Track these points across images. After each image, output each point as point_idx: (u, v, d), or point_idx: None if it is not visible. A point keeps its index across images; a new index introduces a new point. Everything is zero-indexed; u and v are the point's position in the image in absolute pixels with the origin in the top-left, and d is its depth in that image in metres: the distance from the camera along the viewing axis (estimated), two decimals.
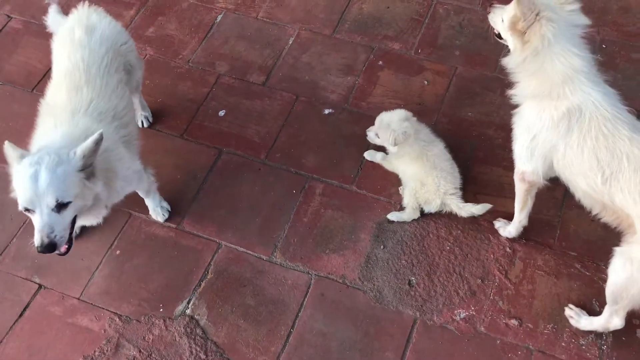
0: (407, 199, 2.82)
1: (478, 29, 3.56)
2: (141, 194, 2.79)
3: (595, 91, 2.18)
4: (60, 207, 2.15)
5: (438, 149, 2.87)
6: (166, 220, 2.87)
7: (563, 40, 2.18)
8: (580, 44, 2.23)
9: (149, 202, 2.85)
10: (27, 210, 2.16)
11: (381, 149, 3.01)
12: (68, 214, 2.20)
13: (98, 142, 2.16)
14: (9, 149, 2.20)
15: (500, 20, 2.38)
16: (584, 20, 2.24)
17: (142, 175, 2.63)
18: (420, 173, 2.80)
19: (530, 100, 2.29)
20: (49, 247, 2.16)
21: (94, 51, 2.57)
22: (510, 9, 2.25)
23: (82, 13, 2.72)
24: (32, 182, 2.10)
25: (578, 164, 2.21)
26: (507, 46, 2.38)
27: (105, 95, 2.49)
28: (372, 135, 2.96)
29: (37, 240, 2.16)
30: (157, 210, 2.85)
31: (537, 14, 2.15)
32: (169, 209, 2.89)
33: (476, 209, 2.77)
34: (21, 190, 2.13)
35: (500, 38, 2.45)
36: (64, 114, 2.41)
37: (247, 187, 2.99)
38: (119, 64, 2.64)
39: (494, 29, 2.50)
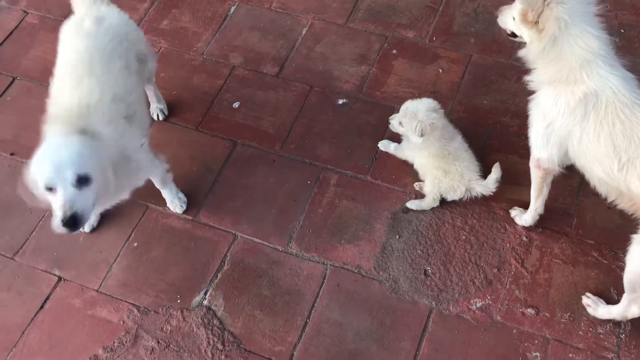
0: (429, 188, 2.80)
1: (493, 16, 3.45)
2: (157, 185, 2.81)
3: (612, 75, 2.15)
4: (81, 182, 2.12)
5: (457, 142, 2.84)
6: (183, 212, 2.89)
7: (578, 20, 2.14)
8: (596, 23, 2.19)
9: (166, 194, 2.88)
10: (49, 189, 2.12)
11: (396, 138, 2.99)
12: (90, 192, 2.15)
13: None
14: None
15: (511, 19, 2.37)
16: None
17: (154, 160, 2.64)
18: (442, 163, 2.77)
19: (547, 86, 2.26)
20: (72, 220, 2.07)
21: (99, 40, 2.56)
22: (518, 4, 2.24)
23: (91, 4, 2.72)
24: (48, 155, 2.12)
25: (594, 151, 2.18)
26: (522, 41, 2.35)
27: (108, 82, 2.46)
28: (395, 123, 2.84)
29: (57, 217, 2.09)
30: (174, 202, 2.88)
31: (544, 1, 2.12)
32: (186, 201, 2.91)
33: (495, 173, 2.77)
34: (37, 165, 2.13)
35: (515, 36, 2.43)
36: (71, 118, 2.36)
37: (262, 178, 3.00)
38: (125, 52, 2.61)
39: (505, 30, 2.48)
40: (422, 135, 2.69)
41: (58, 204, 2.11)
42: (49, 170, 2.10)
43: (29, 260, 2.83)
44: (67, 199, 2.10)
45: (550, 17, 2.13)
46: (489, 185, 2.77)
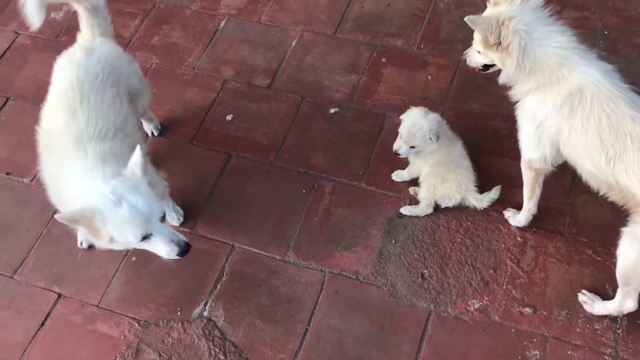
0: (424, 194, 2.84)
1: None
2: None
3: (592, 69, 2.21)
4: (163, 217, 2.23)
5: (458, 148, 2.88)
6: (180, 224, 2.91)
7: (537, 25, 2.23)
8: (553, 21, 2.28)
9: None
10: (144, 238, 2.16)
11: (402, 165, 2.99)
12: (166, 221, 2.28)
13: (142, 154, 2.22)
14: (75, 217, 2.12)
15: (476, 53, 2.47)
16: (539, 1, 2.28)
17: (157, 178, 2.67)
18: (441, 170, 2.80)
19: (533, 93, 2.32)
20: (186, 247, 2.24)
21: (89, 70, 2.55)
22: (476, 35, 2.37)
23: (86, 37, 2.75)
24: (134, 211, 2.09)
25: (582, 146, 2.23)
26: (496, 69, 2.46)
27: (101, 111, 2.45)
28: (404, 150, 2.78)
29: (173, 251, 2.21)
30: (172, 215, 2.90)
31: (497, 21, 2.22)
32: (183, 213, 2.93)
33: (493, 194, 2.81)
34: (129, 225, 2.10)
35: (487, 69, 2.53)
36: (67, 146, 2.35)
37: (257, 189, 3.03)
38: (116, 81, 2.61)
39: (478, 68, 2.59)
40: (438, 138, 2.72)
41: (165, 245, 2.20)
42: (142, 226, 2.13)
43: (28, 278, 2.84)
44: (170, 237, 2.20)
45: (509, 32, 2.22)
46: (483, 201, 2.81)
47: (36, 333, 2.68)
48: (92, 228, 2.12)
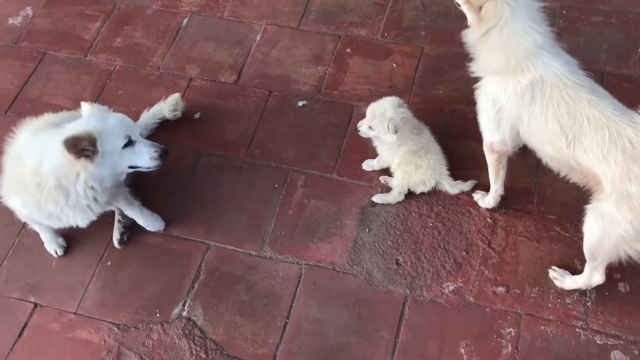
0: (398, 182, 2.87)
1: (441, 7, 3.61)
2: (130, 212, 2.85)
3: (556, 61, 2.25)
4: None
5: (427, 135, 2.91)
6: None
7: (523, 17, 2.23)
8: (540, 19, 2.28)
9: (140, 218, 2.88)
10: (129, 143, 2.47)
11: (372, 155, 3.03)
12: None
13: None
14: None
15: None
16: None
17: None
18: (413, 158, 2.84)
19: (493, 76, 2.35)
20: (165, 150, 2.56)
21: None
22: None
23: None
24: (119, 118, 2.50)
25: (542, 131, 2.28)
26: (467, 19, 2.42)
27: None
28: (364, 128, 2.84)
29: (155, 152, 2.53)
30: (153, 221, 2.88)
31: None
32: (161, 219, 2.92)
33: (466, 186, 2.86)
34: (119, 129, 2.45)
35: (459, 6, 2.49)
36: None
37: (229, 186, 3.03)
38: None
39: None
40: (396, 131, 2.74)
41: (147, 148, 2.53)
42: (128, 129, 2.49)
43: (2, 290, 2.81)
44: (150, 143, 2.56)
45: (492, 9, 2.21)
46: (455, 187, 2.86)
47: (14, 345, 2.66)
48: (90, 154, 2.36)
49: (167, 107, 3.19)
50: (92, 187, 2.46)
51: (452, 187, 2.86)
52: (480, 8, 2.23)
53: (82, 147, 2.33)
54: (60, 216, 2.54)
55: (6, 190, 2.58)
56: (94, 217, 2.64)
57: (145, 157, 2.52)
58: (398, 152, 2.86)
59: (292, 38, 3.56)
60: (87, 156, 2.36)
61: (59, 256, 2.87)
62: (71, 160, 2.36)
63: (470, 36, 2.34)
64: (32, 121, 2.72)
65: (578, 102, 2.18)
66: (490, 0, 2.20)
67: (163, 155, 2.55)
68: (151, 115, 3.17)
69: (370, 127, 2.82)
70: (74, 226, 2.66)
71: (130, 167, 2.55)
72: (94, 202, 2.52)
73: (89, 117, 2.50)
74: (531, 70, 2.24)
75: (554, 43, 2.29)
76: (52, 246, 2.87)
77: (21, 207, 2.56)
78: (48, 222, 2.65)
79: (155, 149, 2.53)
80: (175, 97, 3.23)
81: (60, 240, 2.88)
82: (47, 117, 2.76)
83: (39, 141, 2.50)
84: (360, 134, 2.90)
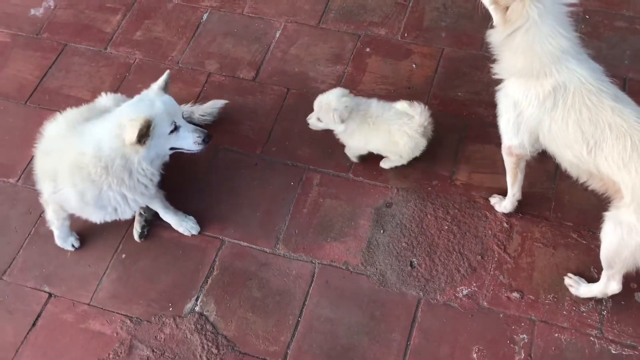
0: (398, 156, 2.91)
1: (462, 9, 3.59)
2: (166, 216, 2.90)
3: (580, 67, 2.22)
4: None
5: (375, 106, 2.88)
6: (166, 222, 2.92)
7: (551, 20, 2.19)
8: (567, 23, 2.25)
9: (174, 222, 2.91)
10: (175, 129, 2.57)
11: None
12: None
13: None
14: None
15: None
16: None
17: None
18: (386, 138, 2.83)
19: (516, 78, 2.32)
20: (208, 135, 2.66)
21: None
22: None
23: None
24: (166, 104, 2.56)
25: (563, 137, 2.26)
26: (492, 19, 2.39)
27: None
28: (313, 121, 2.92)
29: (199, 137, 2.62)
30: (186, 225, 2.90)
31: None
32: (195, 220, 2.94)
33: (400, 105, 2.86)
34: (166, 115, 2.53)
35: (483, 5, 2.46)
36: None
37: (245, 182, 3.03)
38: None
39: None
40: (342, 121, 2.79)
41: (190, 133, 2.62)
42: (174, 114, 2.58)
43: (18, 278, 2.83)
44: (194, 127, 2.65)
45: (520, 10, 2.17)
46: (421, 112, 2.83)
47: (28, 333, 2.68)
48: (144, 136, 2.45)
49: (198, 111, 3.18)
50: (145, 168, 2.57)
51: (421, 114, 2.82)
52: (507, 8, 2.20)
53: (144, 133, 2.44)
54: (115, 205, 2.62)
55: (56, 184, 2.60)
56: (137, 208, 2.74)
57: (189, 141, 2.63)
58: (358, 138, 2.88)
59: (312, 36, 3.55)
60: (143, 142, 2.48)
61: (75, 249, 2.89)
62: (132, 145, 2.46)
63: (495, 36, 2.31)
64: (60, 116, 2.78)
65: (601, 109, 2.15)
66: (518, 1, 2.17)
67: (206, 140, 2.64)
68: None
69: (318, 119, 2.89)
70: (102, 221, 2.72)
71: (173, 148, 2.65)
72: (150, 182, 2.63)
73: (138, 101, 2.58)
74: (554, 75, 2.21)
75: (580, 49, 2.26)
76: (69, 241, 2.88)
77: (75, 198, 2.58)
78: (95, 215, 2.68)
79: (198, 134, 2.63)
80: (214, 104, 3.22)
81: (74, 235, 2.90)
82: (75, 112, 2.79)
83: (89, 131, 2.56)
84: (310, 127, 2.95)
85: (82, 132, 2.60)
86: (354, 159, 3.03)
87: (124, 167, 2.53)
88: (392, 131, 2.82)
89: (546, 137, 2.32)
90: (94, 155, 2.50)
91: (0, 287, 2.81)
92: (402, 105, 2.84)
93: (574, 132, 2.21)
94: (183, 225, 2.88)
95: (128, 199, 2.64)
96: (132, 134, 2.42)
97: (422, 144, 2.86)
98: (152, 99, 2.57)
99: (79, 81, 3.47)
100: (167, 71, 2.73)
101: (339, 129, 2.88)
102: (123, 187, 2.58)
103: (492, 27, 2.37)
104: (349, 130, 2.87)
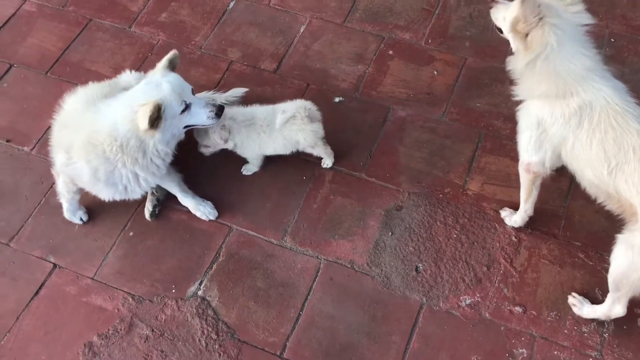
0: (310, 150, 2.95)
1: (488, 21, 3.50)
2: (184, 200, 2.92)
3: (606, 86, 2.23)
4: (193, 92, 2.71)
5: (260, 113, 2.90)
6: (178, 204, 2.92)
7: (571, 43, 2.22)
8: (587, 43, 2.27)
9: (192, 206, 2.92)
10: (186, 108, 2.58)
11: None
12: None
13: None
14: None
15: (502, 17, 2.42)
16: (590, 19, 2.27)
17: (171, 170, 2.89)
18: (284, 142, 2.87)
19: (539, 99, 2.33)
20: (220, 107, 2.68)
21: None
22: (513, 9, 2.26)
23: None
24: (172, 83, 2.57)
25: (586, 156, 2.26)
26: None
27: None
28: (203, 150, 2.94)
29: (211, 111, 2.64)
30: (203, 210, 2.91)
31: (540, 18, 2.18)
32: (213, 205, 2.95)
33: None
34: (174, 94, 2.54)
35: (501, 32, 2.49)
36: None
37: (257, 173, 3.04)
38: None
39: (494, 24, 2.54)
40: (225, 140, 2.83)
41: (202, 109, 2.63)
42: (182, 93, 2.59)
43: (24, 246, 2.84)
44: (205, 102, 2.67)
45: (539, 37, 2.20)
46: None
47: (30, 301, 2.69)
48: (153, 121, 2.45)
49: (220, 98, 3.17)
50: (160, 150, 2.60)
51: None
52: (526, 35, 2.21)
53: (156, 117, 2.46)
54: (125, 183, 2.64)
55: (70, 156, 2.62)
56: (147, 188, 2.75)
57: (202, 117, 2.65)
58: (253, 145, 2.89)
59: (336, 34, 3.56)
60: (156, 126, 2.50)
61: (84, 222, 2.90)
62: (146, 131, 2.48)
63: (516, 63, 2.33)
64: (81, 90, 2.80)
65: (626, 131, 2.16)
66: (537, 28, 2.18)
67: (219, 113, 2.67)
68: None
69: (205, 146, 2.92)
70: (111, 199, 2.74)
71: (187, 126, 2.67)
72: (163, 162, 2.65)
73: (145, 85, 2.58)
74: (581, 94, 2.22)
75: (603, 66, 2.27)
76: (77, 215, 2.89)
77: (88, 174, 2.60)
78: (105, 192, 2.70)
79: (210, 109, 2.65)
80: (236, 92, 3.23)
81: (83, 209, 2.91)
82: (96, 87, 2.82)
83: (105, 110, 2.59)
84: (206, 154, 2.97)
85: (99, 110, 2.61)
86: (255, 170, 3.03)
87: (138, 147, 2.55)
88: (286, 135, 2.85)
89: (568, 154, 2.33)
90: (109, 134, 2.52)
91: (7, 253, 2.82)
92: (284, 107, 2.89)
93: (596, 152, 2.21)
94: (200, 209, 2.88)
95: (139, 177, 2.66)
96: (144, 121, 2.43)
97: (318, 126, 2.89)
98: (158, 81, 2.57)
99: (100, 57, 3.48)
100: (174, 50, 2.72)
101: (230, 147, 2.90)
102: (136, 166, 2.59)
103: (511, 53, 2.40)
104: (240, 144, 2.89)
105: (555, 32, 2.19)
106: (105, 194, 2.72)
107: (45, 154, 3.09)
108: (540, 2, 2.21)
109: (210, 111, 2.64)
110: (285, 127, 2.85)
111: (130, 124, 2.51)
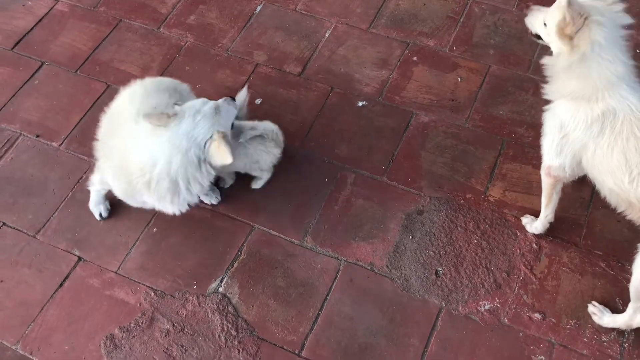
0: (258, 172, 2.99)
1: (513, 30, 3.60)
2: None
3: (632, 96, 2.22)
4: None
5: (257, 126, 2.90)
6: (202, 202, 2.97)
7: (612, 45, 2.20)
8: (625, 48, 2.25)
9: None
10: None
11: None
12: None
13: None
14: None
15: (541, 23, 2.39)
16: (628, 19, 2.25)
17: None
18: (245, 160, 2.88)
19: (566, 100, 2.33)
20: (231, 97, 2.70)
21: None
22: (556, 13, 2.23)
23: None
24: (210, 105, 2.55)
25: (606, 164, 2.25)
26: (546, 46, 2.42)
27: None
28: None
29: (226, 100, 2.64)
30: (209, 194, 2.95)
31: (585, 18, 2.16)
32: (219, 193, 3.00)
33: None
34: (223, 115, 2.57)
35: (538, 38, 2.49)
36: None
37: (280, 173, 3.07)
38: None
39: (530, 31, 2.53)
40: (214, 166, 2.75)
41: (225, 102, 2.62)
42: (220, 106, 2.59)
43: (50, 239, 2.90)
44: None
45: (587, 37, 2.17)
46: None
47: (54, 292, 2.75)
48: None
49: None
50: (209, 171, 2.57)
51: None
52: (572, 37, 2.20)
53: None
54: (152, 204, 2.67)
55: (104, 168, 2.69)
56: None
57: (231, 113, 2.67)
58: (255, 151, 2.89)
59: (361, 39, 3.59)
60: None
61: (103, 219, 2.95)
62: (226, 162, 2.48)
63: (558, 64, 2.29)
64: (135, 86, 2.80)
65: None
66: (584, 28, 2.17)
67: (233, 98, 2.71)
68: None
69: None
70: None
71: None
72: (204, 187, 2.62)
73: (200, 115, 2.50)
74: (606, 100, 2.21)
75: (633, 77, 2.27)
76: (98, 208, 2.94)
77: (116, 188, 2.69)
78: (131, 202, 2.78)
79: (228, 102, 2.65)
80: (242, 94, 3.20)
81: (106, 204, 2.96)
82: (151, 83, 2.82)
83: (149, 137, 2.49)
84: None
85: (140, 134, 2.53)
86: (263, 183, 3.04)
87: (169, 189, 2.51)
88: (250, 153, 2.86)
89: (589, 161, 2.32)
90: (141, 167, 2.49)
91: (33, 245, 2.88)
92: (252, 124, 2.89)
93: (618, 160, 2.21)
94: (209, 194, 2.94)
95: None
96: (226, 154, 2.44)
97: (280, 153, 2.94)
98: (204, 109, 2.51)
99: (129, 56, 3.55)
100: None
101: (226, 164, 2.82)
102: (162, 203, 2.61)
103: (545, 54, 2.39)
104: (242, 152, 2.86)
105: (602, 29, 2.17)
106: (132, 204, 2.80)
107: (73, 150, 3.17)
108: (583, 2, 2.20)
109: (229, 104, 2.65)
110: (252, 145, 2.86)
111: (179, 162, 2.46)
